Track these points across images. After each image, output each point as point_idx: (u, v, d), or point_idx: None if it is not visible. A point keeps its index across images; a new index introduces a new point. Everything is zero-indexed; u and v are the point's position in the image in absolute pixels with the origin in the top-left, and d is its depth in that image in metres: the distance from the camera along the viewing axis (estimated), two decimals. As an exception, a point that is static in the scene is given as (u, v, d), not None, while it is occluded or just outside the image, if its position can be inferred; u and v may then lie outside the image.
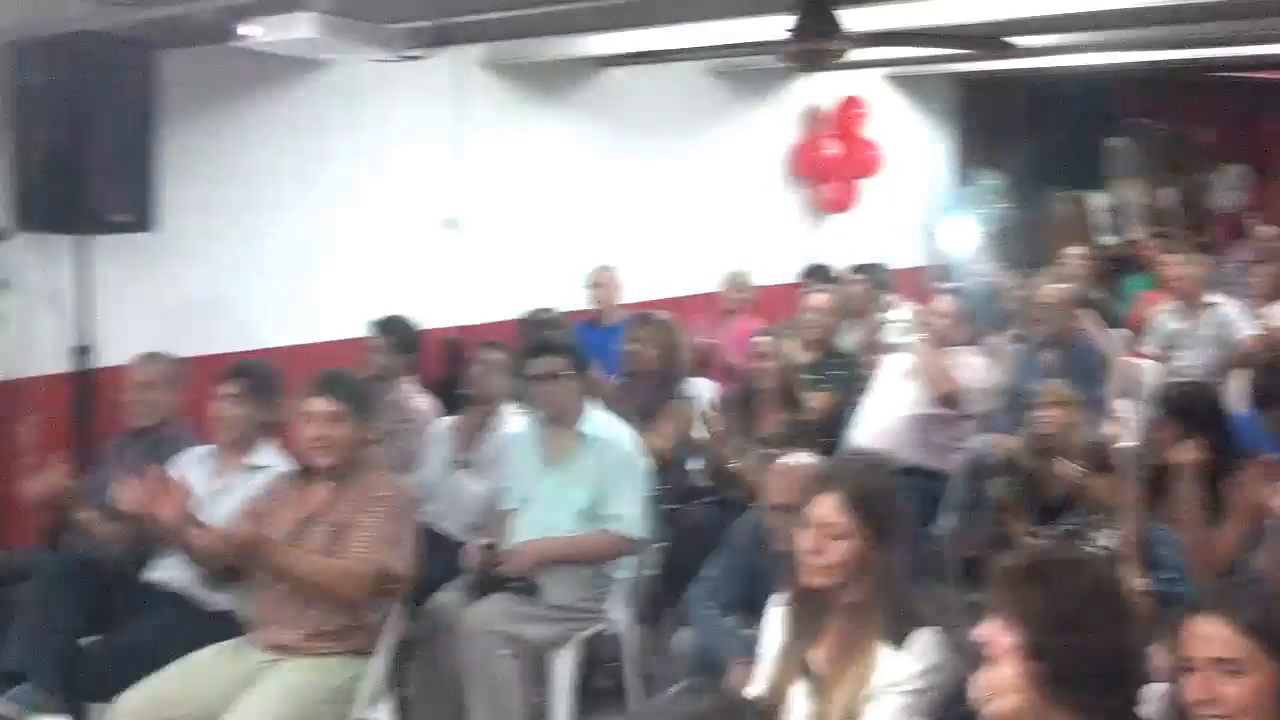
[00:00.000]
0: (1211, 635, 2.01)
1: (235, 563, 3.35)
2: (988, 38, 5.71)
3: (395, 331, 5.43)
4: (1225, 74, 10.37)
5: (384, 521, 3.41)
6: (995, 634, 2.08)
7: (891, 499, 2.73)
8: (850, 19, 4.79)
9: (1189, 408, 4.14)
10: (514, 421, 4.75)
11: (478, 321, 6.46)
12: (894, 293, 7.10)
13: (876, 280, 7.24)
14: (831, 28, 4.77)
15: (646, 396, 5.19)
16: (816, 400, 5.45)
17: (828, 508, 2.64)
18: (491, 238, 6.71)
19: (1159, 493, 3.92)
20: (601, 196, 7.19)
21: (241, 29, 4.38)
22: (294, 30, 4.32)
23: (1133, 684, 2.13)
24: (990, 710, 2.09)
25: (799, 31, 4.78)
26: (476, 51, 6.41)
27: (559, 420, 4.28)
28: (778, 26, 4.82)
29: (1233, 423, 4.35)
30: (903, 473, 5.27)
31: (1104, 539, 4.62)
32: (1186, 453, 3.85)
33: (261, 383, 4.04)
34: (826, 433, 5.27)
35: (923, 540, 5.32)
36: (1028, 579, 2.12)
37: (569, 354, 4.34)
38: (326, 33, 4.33)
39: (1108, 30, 6.50)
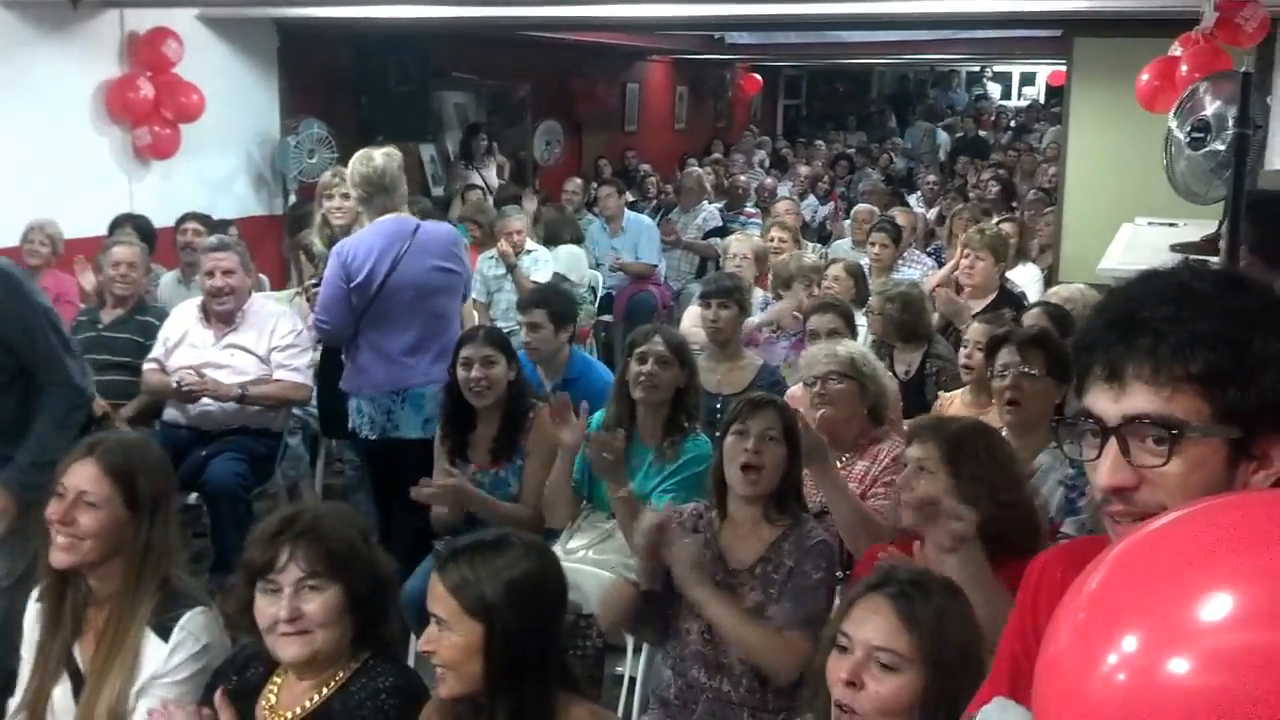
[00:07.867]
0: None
1: None
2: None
3: None
4: (541, 34, 11.07)
5: None
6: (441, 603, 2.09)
7: (156, 470, 2.54)
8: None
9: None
10: None
11: None
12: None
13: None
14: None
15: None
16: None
17: (81, 476, 2.44)
18: None
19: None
20: None
21: None
22: None
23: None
24: (444, 682, 2.09)
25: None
26: None
27: None
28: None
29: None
30: (232, 433, 5.11)
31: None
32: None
33: None
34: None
35: (257, 499, 5.21)
36: (471, 557, 2.12)
37: None
38: None
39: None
